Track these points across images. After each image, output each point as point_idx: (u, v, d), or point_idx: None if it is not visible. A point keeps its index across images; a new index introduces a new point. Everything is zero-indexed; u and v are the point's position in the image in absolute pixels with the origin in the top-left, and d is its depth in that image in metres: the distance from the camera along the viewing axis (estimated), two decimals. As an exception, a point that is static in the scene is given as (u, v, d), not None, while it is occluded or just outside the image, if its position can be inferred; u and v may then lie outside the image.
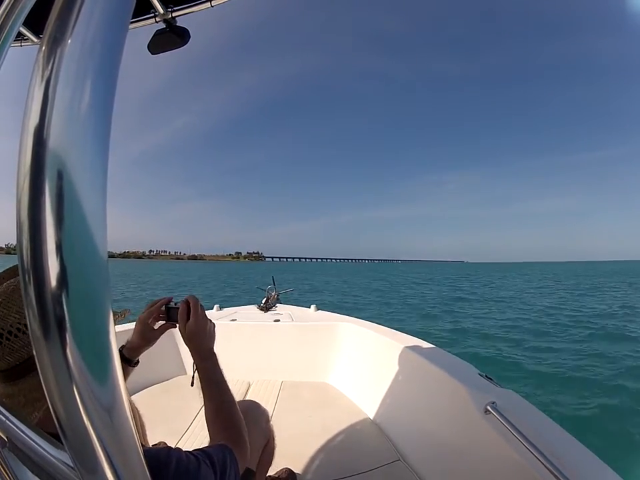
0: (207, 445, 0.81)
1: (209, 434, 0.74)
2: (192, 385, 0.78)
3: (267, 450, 1.04)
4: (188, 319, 0.76)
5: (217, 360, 0.78)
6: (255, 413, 1.04)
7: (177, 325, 0.79)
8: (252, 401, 1.13)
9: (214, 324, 0.81)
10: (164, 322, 0.84)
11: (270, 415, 1.81)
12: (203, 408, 0.76)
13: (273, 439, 1.10)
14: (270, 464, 1.10)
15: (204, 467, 0.55)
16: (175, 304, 0.81)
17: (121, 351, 0.83)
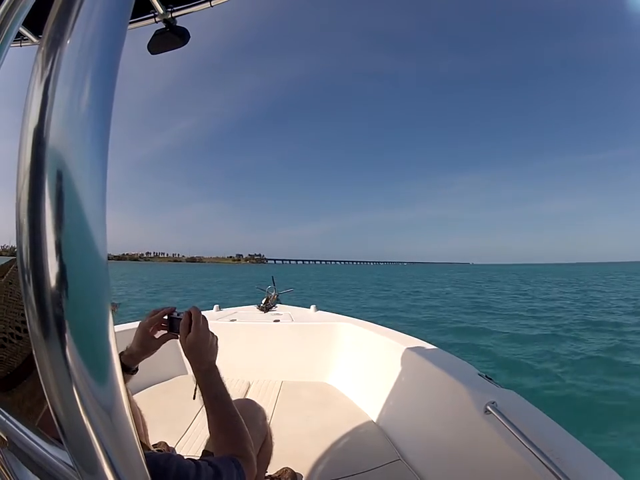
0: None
1: (214, 447, 0.72)
2: (194, 397, 0.76)
3: (265, 448, 1.04)
4: (190, 330, 0.75)
5: (218, 373, 0.76)
6: (251, 411, 1.03)
7: (178, 336, 0.77)
8: (247, 399, 1.13)
9: (217, 337, 0.79)
10: (165, 332, 0.83)
11: (270, 415, 1.80)
12: (204, 410, 0.75)
13: (271, 437, 1.10)
14: (268, 462, 1.09)
15: (204, 474, 0.55)
16: (178, 314, 0.80)
17: (120, 356, 0.81)
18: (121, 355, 0.82)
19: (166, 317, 0.82)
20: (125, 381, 0.80)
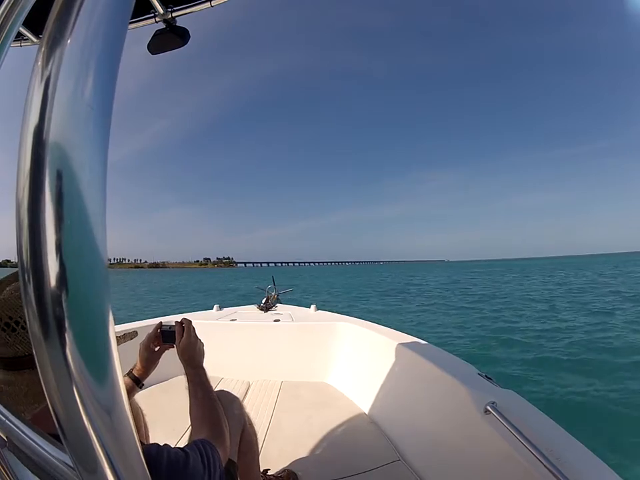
0: None
1: (192, 428, 0.79)
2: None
3: (246, 437, 1.05)
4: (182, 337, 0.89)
5: (205, 371, 0.88)
6: (225, 401, 1.04)
7: (173, 345, 0.92)
8: (222, 390, 1.14)
9: (203, 343, 0.93)
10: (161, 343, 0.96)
11: (270, 415, 1.81)
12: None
13: (251, 425, 1.10)
14: (256, 452, 1.10)
15: (192, 459, 0.58)
16: (170, 327, 0.94)
17: (131, 372, 0.93)
18: (131, 371, 0.94)
19: (158, 331, 0.96)
20: (134, 393, 0.91)
